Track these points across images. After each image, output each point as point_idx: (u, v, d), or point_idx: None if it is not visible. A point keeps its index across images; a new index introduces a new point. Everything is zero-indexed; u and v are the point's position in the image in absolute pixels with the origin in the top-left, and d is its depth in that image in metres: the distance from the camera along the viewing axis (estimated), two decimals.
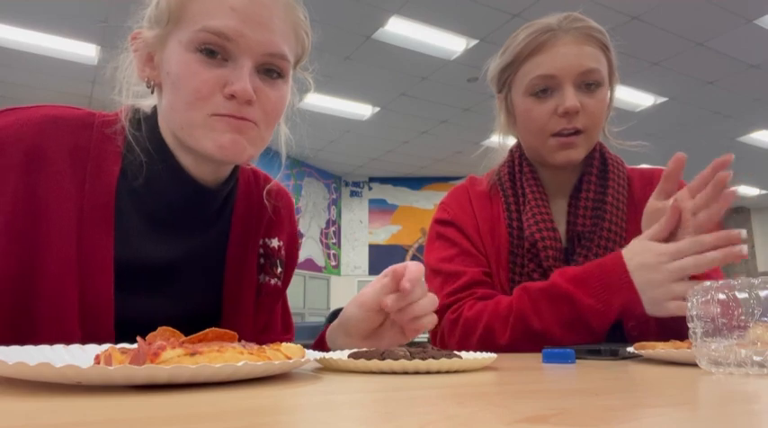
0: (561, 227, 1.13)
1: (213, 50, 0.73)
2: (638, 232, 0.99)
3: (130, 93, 0.83)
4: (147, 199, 0.80)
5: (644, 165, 1.24)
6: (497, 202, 1.18)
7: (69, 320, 0.72)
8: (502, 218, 1.15)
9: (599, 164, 1.16)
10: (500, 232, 1.14)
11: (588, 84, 1.06)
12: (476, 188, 1.23)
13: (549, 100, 1.07)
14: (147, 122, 0.81)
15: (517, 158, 1.20)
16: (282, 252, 0.98)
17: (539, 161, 1.16)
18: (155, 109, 0.83)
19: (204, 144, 0.75)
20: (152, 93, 0.82)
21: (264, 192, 0.95)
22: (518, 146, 1.21)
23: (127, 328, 0.72)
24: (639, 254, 0.91)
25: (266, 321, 0.97)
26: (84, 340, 0.65)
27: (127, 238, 0.77)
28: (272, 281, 0.95)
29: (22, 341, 0.62)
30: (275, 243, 0.97)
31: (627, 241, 1.01)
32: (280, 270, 0.97)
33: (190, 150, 0.79)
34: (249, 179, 0.96)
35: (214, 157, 0.76)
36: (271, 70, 0.78)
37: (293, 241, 1.03)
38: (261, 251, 0.95)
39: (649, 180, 1.17)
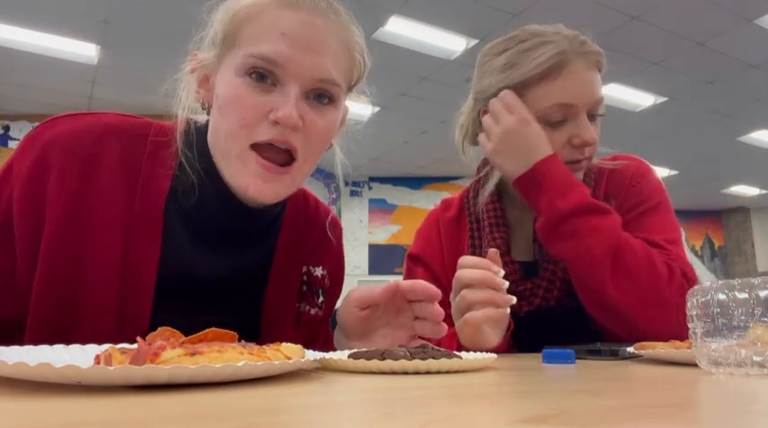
0: (528, 241, 1.11)
1: (263, 74, 0.73)
2: None
3: (185, 106, 0.82)
4: (194, 217, 0.79)
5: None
6: (464, 229, 1.16)
7: (106, 328, 0.71)
8: (466, 246, 1.14)
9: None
10: None
11: (595, 114, 1.04)
12: (446, 214, 1.21)
13: (562, 128, 1.02)
14: (199, 141, 0.80)
15: (483, 179, 1.16)
16: (326, 281, 0.96)
17: (503, 189, 1.14)
18: (207, 125, 0.82)
19: (237, 180, 0.75)
20: (207, 114, 0.81)
21: (327, 224, 0.95)
22: (485, 163, 1.18)
23: None
24: None
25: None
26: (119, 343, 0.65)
27: (171, 254, 0.77)
28: (312, 311, 0.92)
29: (58, 342, 0.62)
30: (319, 271, 0.94)
31: None
32: (321, 299, 0.94)
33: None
34: (299, 202, 0.94)
35: (241, 195, 0.76)
36: (321, 95, 0.76)
37: (339, 271, 1.00)
38: (304, 278, 0.92)
39: (625, 188, 1.11)
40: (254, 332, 0.85)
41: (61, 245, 0.72)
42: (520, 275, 1.07)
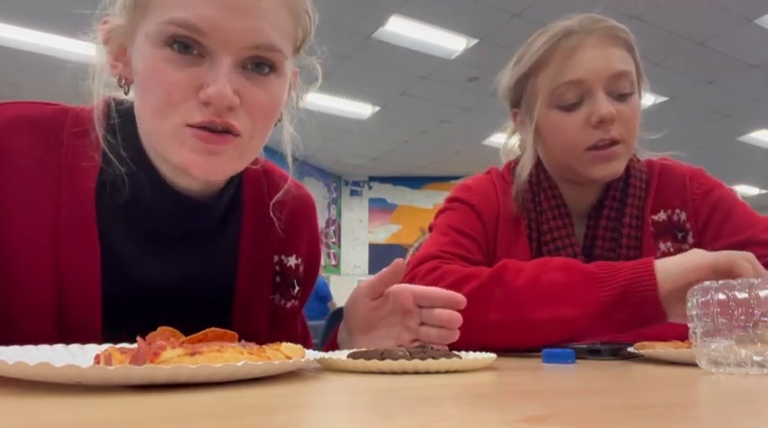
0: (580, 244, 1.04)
1: (186, 45, 0.62)
2: (651, 252, 0.98)
3: (103, 85, 0.71)
4: (132, 215, 0.71)
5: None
6: (521, 220, 1.06)
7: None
8: (524, 235, 1.04)
9: (623, 185, 1.05)
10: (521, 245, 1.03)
11: (620, 90, 0.96)
12: (506, 188, 1.08)
13: (578, 110, 0.96)
14: (124, 125, 0.71)
15: (535, 176, 1.07)
16: (301, 269, 0.88)
17: (564, 177, 1.05)
18: (132, 106, 0.71)
19: (174, 158, 0.64)
20: (126, 93, 0.71)
21: (271, 206, 0.81)
22: (538, 162, 1.08)
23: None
24: None
25: (286, 340, 0.88)
26: None
27: (114, 258, 0.68)
28: (288, 304, 0.86)
29: None
30: (292, 261, 0.86)
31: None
32: (297, 289, 0.87)
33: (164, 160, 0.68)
34: (259, 183, 0.83)
35: (186, 174, 0.66)
36: (260, 64, 0.65)
37: (315, 254, 0.91)
38: (276, 268, 0.84)
39: (681, 186, 1.05)
40: (226, 326, 0.79)
41: None
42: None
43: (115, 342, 0.65)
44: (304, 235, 0.89)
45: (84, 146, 0.69)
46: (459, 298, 0.71)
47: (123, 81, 0.70)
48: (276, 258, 0.84)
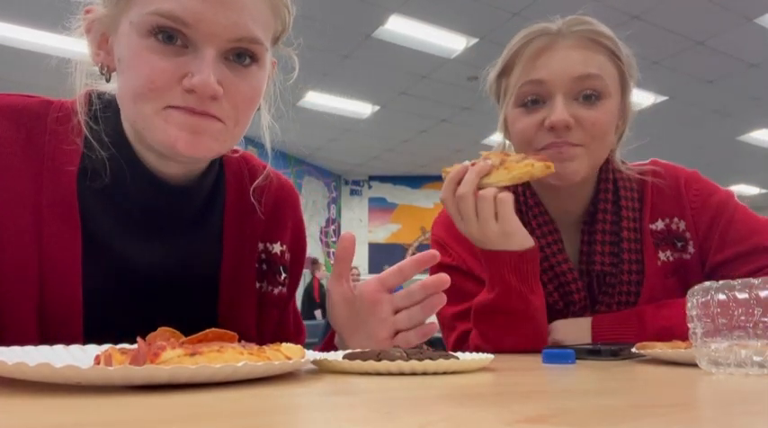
0: (571, 259, 1.02)
1: (171, 35, 0.63)
2: (653, 265, 0.98)
3: (85, 76, 0.74)
4: (114, 200, 0.72)
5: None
6: None
7: (26, 331, 0.65)
8: None
9: (612, 196, 1.02)
10: None
11: (587, 95, 0.93)
12: None
13: (538, 111, 0.94)
14: (106, 112, 0.72)
15: (521, 194, 1.05)
16: (286, 256, 0.88)
17: (538, 183, 1.03)
18: (113, 96, 0.73)
19: (158, 139, 0.65)
20: (107, 81, 0.72)
21: (251, 190, 0.83)
22: None
23: (99, 340, 0.60)
24: None
25: (275, 331, 0.89)
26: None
27: (96, 243, 0.69)
28: (276, 290, 0.86)
29: None
30: (277, 248, 0.87)
31: (646, 281, 0.98)
32: (284, 276, 0.88)
33: (147, 145, 0.70)
34: (240, 170, 0.84)
35: (170, 154, 0.67)
36: (241, 55, 0.67)
37: (299, 241, 0.92)
38: (262, 256, 0.85)
39: (676, 192, 1.03)
40: (211, 317, 0.79)
41: None
42: (581, 285, 1.00)
43: (97, 327, 0.66)
44: (288, 223, 0.90)
45: (67, 132, 0.71)
46: (431, 254, 0.75)
47: (105, 69, 0.71)
48: (261, 246, 0.85)
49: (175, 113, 0.64)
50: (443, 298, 0.73)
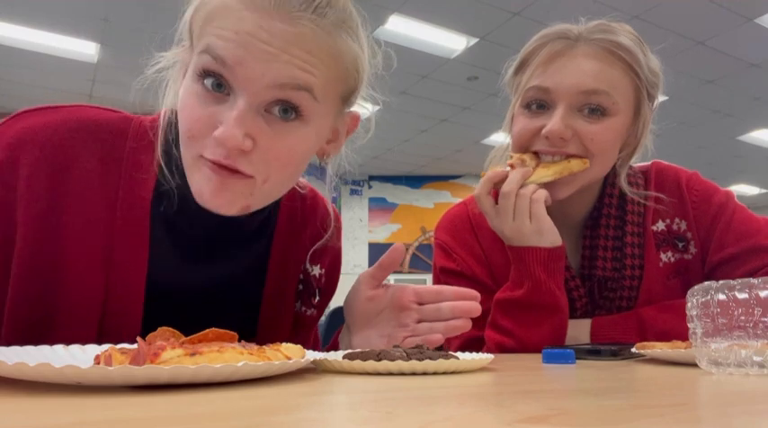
0: (573, 265, 1.03)
1: (218, 83, 0.62)
2: (654, 266, 0.99)
3: (169, 103, 0.74)
4: (178, 224, 0.73)
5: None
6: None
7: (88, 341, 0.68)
8: None
9: (617, 201, 1.03)
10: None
11: (592, 108, 0.91)
12: (479, 218, 1.05)
13: (540, 117, 0.94)
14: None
15: None
16: (323, 280, 0.90)
17: None
18: None
19: (192, 185, 0.66)
20: None
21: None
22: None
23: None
24: None
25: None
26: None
27: (158, 264, 0.71)
28: (309, 312, 0.89)
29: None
30: (317, 270, 0.89)
31: (645, 282, 0.99)
32: (317, 299, 0.90)
33: None
34: (295, 201, 0.86)
35: (200, 203, 0.67)
36: (287, 110, 0.63)
37: (336, 267, 0.94)
38: (301, 277, 0.87)
39: (677, 192, 1.03)
40: (251, 335, 0.82)
41: (35, 253, 0.66)
42: (583, 291, 1.01)
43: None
44: (330, 247, 0.90)
45: (144, 157, 0.71)
46: (473, 294, 0.75)
47: None
48: (303, 267, 0.87)
49: (203, 166, 0.64)
50: (469, 325, 0.74)
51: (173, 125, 0.72)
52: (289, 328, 0.86)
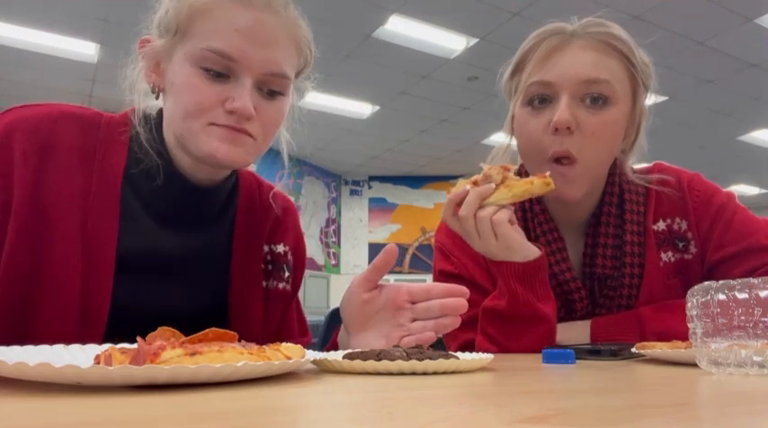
0: (574, 264, 1.03)
1: (218, 72, 0.78)
2: (655, 266, 0.98)
3: (140, 92, 0.87)
4: (149, 195, 0.85)
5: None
6: None
7: (69, 305, 0.76)
8: None
9: (618, 200, 1.04)
10: None
11: (594, 98, 0.92)
12: None
13: (544, 112, 0.94)
14: (151, 124, 0.86)
15: (527, 201, 1.05)
16: (289, 256, 1.01)
17: None
18: (160, 111, 0.87)
19: (202, 148, 0.79)
20: (156, 98, 0.86)
21: (270, 195, 0.99)
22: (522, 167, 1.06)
23: (125, 314, 0.79)
24: None
25: (279, 326, 0.99)
26: (82, 322, 0.75)
27: (130, 230, 0.82)
28: (281, 285, 0.98)
29: (23, 322, 0.74)
30: (281, 248, 1.00)
31: (645, 282, 0.99)
32: (287, 274, 1.00)
33: (189, 153, 0.83)
34: (251, 184, 0.99)
35: (211, 161, 0.80)
36: (273, 91, 0.82)
37: (300, 245, 1.05)
38: (267, 257, 0.98)
39: (679, 193, 1.04)
40: (223, 310, 0.90)
41: (26, 223, 0.76)
42: (585, 293, 1.01)
43: (124, 304, 0.79)
44: (290, 229, 1.03)
45: (116, 140, 0.85)
46: (462, 290, 0.76)
47: (156, 89, 0.85)
48: (267, 248, 0.98)
49: (217, 129, 0.79)
50: (457, 322, 0.76)
51: (148, 113, 0.87)
52: (260, 301, 0.94)
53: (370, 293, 0.79)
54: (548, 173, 0.86)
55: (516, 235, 0.89)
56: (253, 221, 0.96)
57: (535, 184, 0.86)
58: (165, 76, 0.83)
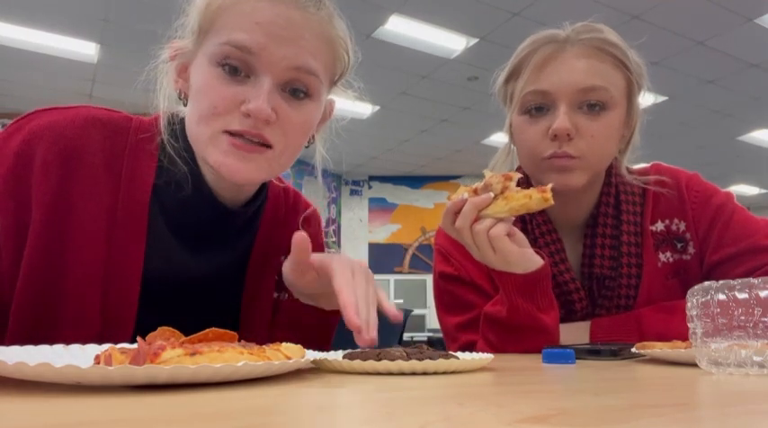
0: (574, 265, 1.03)
1: (236, 67, 0.71)
2: (653, 266, 0.98)
3: (169, 98, 0.81)
4: (176, 214, 0.79)
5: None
6: None
7: (89, 326, 0.72)
8: None
9: (614, 200, 1.04)
10: None
11: (591, 104, 0.93)
12: None
13: (542, 119, 0.95)
14: (182, 134, 0.79)
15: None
16: None
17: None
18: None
19: (210, 159, 0.73)
20: (185, 105, 0.80)
21: (301, 220, 0.94)
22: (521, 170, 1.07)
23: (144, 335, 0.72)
24: None
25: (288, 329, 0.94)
26: (103, 342, 0.66)
27: (155, 253, 0.77)
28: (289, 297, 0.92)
29: (41, 337, 0.64)
30: None
31: (644, 283, 0.99)
32: None
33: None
34: (279, 196, 0.94)
35: (219, 174, 0.74)
36: (297, 90, 0.74)
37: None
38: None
39: (677, 193, 1.04)
40: (233, 322, 0.87)
41: (46, 239, 0.71)
42: (584, 293, 1.01)
43: (149, 321, 0.71)
44: (311, 239, 0.91)
45: (146, 147, 0.79)
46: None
47: (183, 95, 0.79)
48: (283, 258, 0.87)
49: (225, 140, 0.71)
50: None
51: (176, 119, 0.80)
52: (268, 314, 0.90)
53: (308, 276, 0.75)
54: (549, 186, 0.85)
55: (514, 248, 0.86)
56: (274, 235, 0.90)
57: (533, 199, 0.84)
58: (189, 81, 0.77)
